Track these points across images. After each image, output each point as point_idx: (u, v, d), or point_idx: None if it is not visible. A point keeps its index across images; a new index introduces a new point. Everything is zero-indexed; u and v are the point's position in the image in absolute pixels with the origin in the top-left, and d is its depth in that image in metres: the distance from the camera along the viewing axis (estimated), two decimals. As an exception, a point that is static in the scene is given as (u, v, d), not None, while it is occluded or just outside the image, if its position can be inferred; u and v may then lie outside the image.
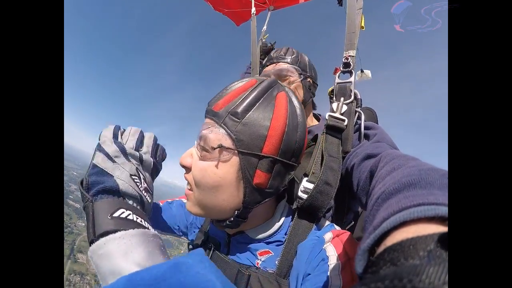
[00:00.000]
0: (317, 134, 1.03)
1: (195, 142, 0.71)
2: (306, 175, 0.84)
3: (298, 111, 0.72)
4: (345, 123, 1.01)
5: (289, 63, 1.42)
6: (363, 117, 1.11)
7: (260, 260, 0.76)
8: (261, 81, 0.71)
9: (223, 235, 0.87)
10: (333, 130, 1.00)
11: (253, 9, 2.10)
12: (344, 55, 1.29)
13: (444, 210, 0.31)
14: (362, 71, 1.90)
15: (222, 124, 0.64)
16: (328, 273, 0.59)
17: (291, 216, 0.82)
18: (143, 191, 0.60)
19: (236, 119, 0.64)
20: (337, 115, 1.05)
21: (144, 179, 0.63)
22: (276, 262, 0.73)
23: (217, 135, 0.64)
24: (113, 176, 0.54)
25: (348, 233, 0.71)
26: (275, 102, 0.68)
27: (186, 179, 0.73)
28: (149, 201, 0.62)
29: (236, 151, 0.64)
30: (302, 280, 0.63)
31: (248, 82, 0.71)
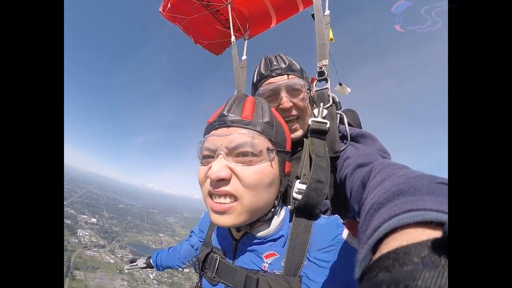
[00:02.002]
0: (303, 140, 1.10)
1: (221, 155, 0.76)
2: (298, 177, 0.92)
3: (282, 121, 0.96)
4: (327, 125, 1.10)
5: (299, 76, 1.28)
6: (345, 118, 1.21)
7: (267, 263, 0.80)
8: (257, 99, 0.92)
9: (228, 243, 0.93)
10: (317, 133, 1.09)
11: (233, 38, 2.18)
12: (318, 65, 1.41)
13: (432, 215, 0.32)
14: (340, 84, 1.99)
15: (262, 131, 0.79)
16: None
17: (289, 215, 0.89)
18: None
19: (271, 126, 0.82)
20: (319, 119, 1.14)
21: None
22: (282, 263, 0.77)
23: (261, 140, 0.77)
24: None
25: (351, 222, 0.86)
26: (274, 113, 0.91)
27: (225, 193, 0.74)
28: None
29: (276, 151, 0.81)
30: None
31: (248, 98, 0.88)
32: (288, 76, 1.25)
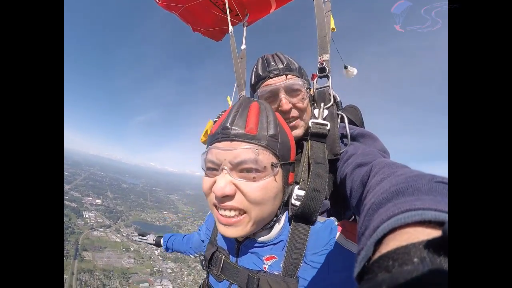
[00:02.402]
0: (303, 142, 1.09)
1: (225, 170, 0.77)
2: (297, 182, 0.94)
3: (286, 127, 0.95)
4: (328, 127, 1.07)
5: (298, 76, 1.23)
6: (346, 119, 1.16)
7: (267, 264, 0.87)
8: (262, 104, 0.90)
9: (231, 245, 1.00)
10: (318, 136, 1.06)
11: (231, 28, 2.04)
12: (319, 60, 1.32)
13: (431, 214, 0.32)
14: (346, 68, 1.93)
15: (267, 146, 0.79)
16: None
17: (287, 219, 0.94)
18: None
19: (275, 139, 0.82)
20: (319, 120, 1.10)
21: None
22: (281, 265, 0.84)
23: (265, 156, 0.78)
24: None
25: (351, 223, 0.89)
26: (279, 120, 0.90)
27: (231, 207, 0.78)
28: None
29: (280, 164, 0.82)
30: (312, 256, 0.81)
31: (252, 105, 0.86)
32: (286, 77, 1.20)
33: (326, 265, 0.79)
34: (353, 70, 1.92)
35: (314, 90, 1.31)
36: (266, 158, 0.78)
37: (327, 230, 0.85)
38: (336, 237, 0.83)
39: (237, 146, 0.77)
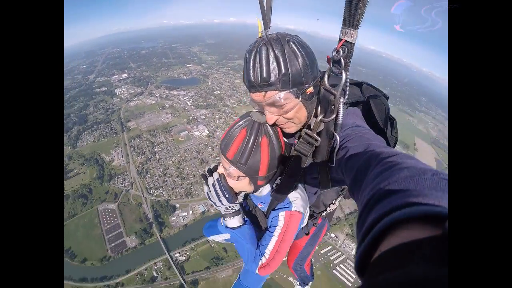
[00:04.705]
0: (291, 145, 1.33)
1: (221, 167, 1.37)
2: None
3: (274, 144, 1.27)
4: (317, 143, 1.18)
5: (279, 89, 1.08)
6: (338, 140, 1.12)
7: (259, 207, 1.66)
8: (250, 131, 1.23)
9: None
10: (302, 154, 1.26)
11: None
12: (340, 35, 1.06)
13: (432, 210, 0.32)
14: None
15: (236, 167, 1.26)
16: (274, 231, 1.46)
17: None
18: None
19: (242, 165, 1.25)
20: (311, 133, 1.19)
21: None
22: (264, 210, 1.60)
23: (235, 171, 1.28)
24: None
25: (296, 213, 1.44)
26: (261, 149, 1.25)
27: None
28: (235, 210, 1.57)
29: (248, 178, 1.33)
30: (268, 227, 1.54)
31: (240, 133, 1.24)
32: (264, 95, 1.10)
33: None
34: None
35: (322, 90, 1.16)
36: (236, 172, 1.28)
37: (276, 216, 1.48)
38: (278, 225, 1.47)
39: (224, 161, 1.31)
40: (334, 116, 1.11)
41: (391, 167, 0.58)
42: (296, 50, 1.04)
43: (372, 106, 1.26)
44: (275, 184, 1.40)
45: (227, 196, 1.38)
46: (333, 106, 1.10)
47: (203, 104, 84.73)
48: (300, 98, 1.11)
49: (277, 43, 1.03)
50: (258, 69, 1.04)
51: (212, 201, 1.46)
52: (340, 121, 1.12)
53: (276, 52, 1.02)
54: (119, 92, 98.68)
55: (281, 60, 1.02)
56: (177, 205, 50.00)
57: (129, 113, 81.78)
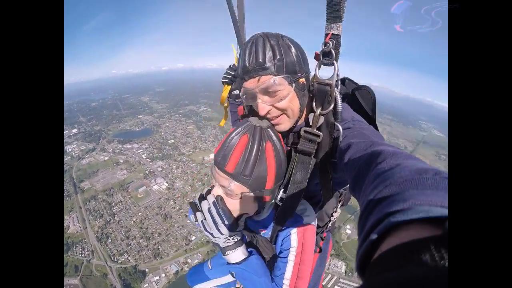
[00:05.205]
0: (291, 149, 1.25)
1: (218, 187, 1.18)
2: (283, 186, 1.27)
3: (279, 150, 1.16)
4: (320, 139, 1.13)
5: (274, 73, 1.08)
6: (341, 129, 1.09)
7: (260, 234, 1.46)
8: (252, 136, 1.11)
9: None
10: (305, 154, 1.17)
11: None
12: (326, 30, 1.08)
13: (433, 211, 0.32)
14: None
15: (239, 182, 1.10)
16: (288, 256, 1.27)
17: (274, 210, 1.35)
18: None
19: (247, 178, 1.09)
20: (311, 130, 1.13)
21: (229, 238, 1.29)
22: (268, 236, 1.41)
23: (237, 187, 1.11)
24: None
25: (309, 227, 1.31)
26: (266, 156, 1.12)
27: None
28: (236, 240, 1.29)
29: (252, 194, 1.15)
30: (278, 253, 1.34)
31: (241, 141, 1.10)
32: (259, 79, 1.10)
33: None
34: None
35: (315, 84, 1.15)
36: (238, 188, 1.12)
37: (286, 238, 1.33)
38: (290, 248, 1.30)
39: (219, 177, 1.14)
40: (332, 105, 1.11)
41: (392, 167, 0.57)
42: (290, 43, 1.10)
43: (359, 97, 1.27)
44: (279, 198, 1.25)
45: (226, 222, 1.14)
46: (330, 97, 1.10)
47: (159, 156, 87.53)
48: (294, 87, 1.10)
49: (273, 36, 1.09)
50: (254, 54, 1.07)
51: (207, 232, 1.18)
52: (339, 109, 1.12)
53: (272, 42, 1.07)
54: (70, 150, 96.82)
55: (276, 48, 1.06)
56: (147, 270, 46.98)
57: (82, 172, 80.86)
